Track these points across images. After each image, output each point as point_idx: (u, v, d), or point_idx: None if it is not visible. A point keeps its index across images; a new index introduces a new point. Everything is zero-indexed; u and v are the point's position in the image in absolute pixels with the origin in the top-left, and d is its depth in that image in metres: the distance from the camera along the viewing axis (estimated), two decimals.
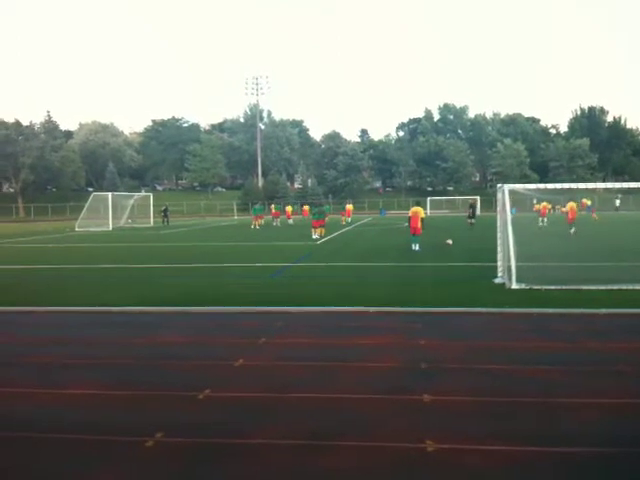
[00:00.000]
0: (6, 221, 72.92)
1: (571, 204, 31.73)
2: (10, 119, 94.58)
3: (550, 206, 44.05)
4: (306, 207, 52.90)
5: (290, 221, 49.59)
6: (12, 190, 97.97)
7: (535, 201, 40.72)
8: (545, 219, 39.01)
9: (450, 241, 24.88)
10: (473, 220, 40.63)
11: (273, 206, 51.91)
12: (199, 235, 37.47)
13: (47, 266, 19.21)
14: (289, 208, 52.17)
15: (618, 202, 70.40)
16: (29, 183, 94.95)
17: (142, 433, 5.01)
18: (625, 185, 16.34)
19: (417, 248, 21.95)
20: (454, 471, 4.27)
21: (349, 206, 55.43)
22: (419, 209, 22.90)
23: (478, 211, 76.14)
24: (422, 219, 22.50)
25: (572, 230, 29.17)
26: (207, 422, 5.31)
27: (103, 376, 6.77)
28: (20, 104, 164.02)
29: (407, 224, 23.64)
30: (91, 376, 6.76)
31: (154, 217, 55.31)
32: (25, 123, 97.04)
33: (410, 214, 22.96)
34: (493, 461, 4.40)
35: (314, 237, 30.41)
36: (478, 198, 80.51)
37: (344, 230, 38.51)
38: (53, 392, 6.23)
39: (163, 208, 54.57)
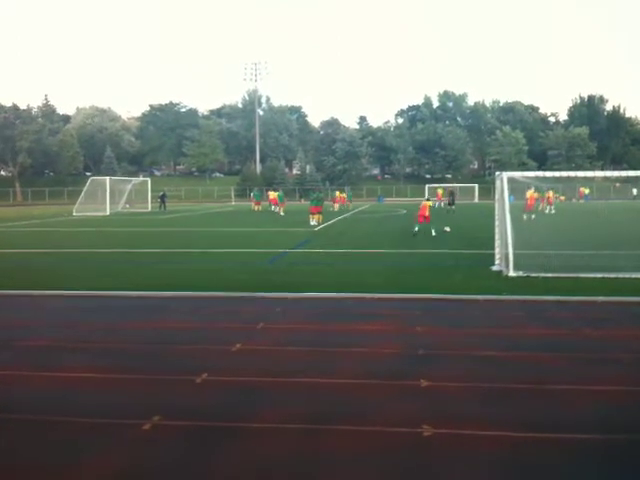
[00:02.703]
0: (3, 205, 72.80)
1: (530, 192, 32.33)
2: (8, 103, 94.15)
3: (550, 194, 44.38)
4: (272, 193, 49.90)
5: (274, 207, 47.46)
6: (9, 174, 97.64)
7: (533, 189, 41.00)
8: (552, 207, 39.68)
9: (448, 228, 24.98)
10: (453, 207, 41.33)
11: (270, 193, 51.38)
12: (197, 220, 37.43)
13: (44, 250, 19.19)
14: (273, 194, 49.62)
15: (635, 191, 70.22)
16: (26, 167, 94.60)
17: (140, 416, 5.02)
18: (624, 173, 16.35)
19: (434, 233, 23.31)
20: (451, 456, 4.29)
21: (342, 194, 55.44)
22: (429, 203, 25.23)
23: (476, 199, 76.66)
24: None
25: (525, 217, 29.73)
26: (204, 406, 5.33)
27: (101, 360, 6.78)
28: (18, 88, 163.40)
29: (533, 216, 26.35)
30: (89, 359, 6.77)
31: (152, 202, 55.24)
32: (23, 107, 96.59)
33: (421, 207, 24.68)
34: (489, 446, 4.43)
35: (312, 223, 30.36)
36: (476, 186, 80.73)
37: (342, 217, 38.48)
38: (50, 375, 6.24)
39: (161, 194, 54.41)
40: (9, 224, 33.86)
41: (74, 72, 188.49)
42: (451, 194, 43.83)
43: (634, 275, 11.97)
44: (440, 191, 62.29)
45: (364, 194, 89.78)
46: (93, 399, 5.54)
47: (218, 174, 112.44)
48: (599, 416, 5.01)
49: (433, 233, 23.39)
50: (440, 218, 33.02)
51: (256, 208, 48.29)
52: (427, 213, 23.76)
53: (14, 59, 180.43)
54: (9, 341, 7.73)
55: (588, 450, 4.40)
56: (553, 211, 38.94)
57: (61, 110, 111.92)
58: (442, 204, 55.92)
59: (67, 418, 5.05)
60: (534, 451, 4.37)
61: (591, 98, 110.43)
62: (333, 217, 34.51)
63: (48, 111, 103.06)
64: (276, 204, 46.93)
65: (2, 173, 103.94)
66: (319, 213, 31.20)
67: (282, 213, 42.28)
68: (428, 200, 26.28)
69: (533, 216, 30.49)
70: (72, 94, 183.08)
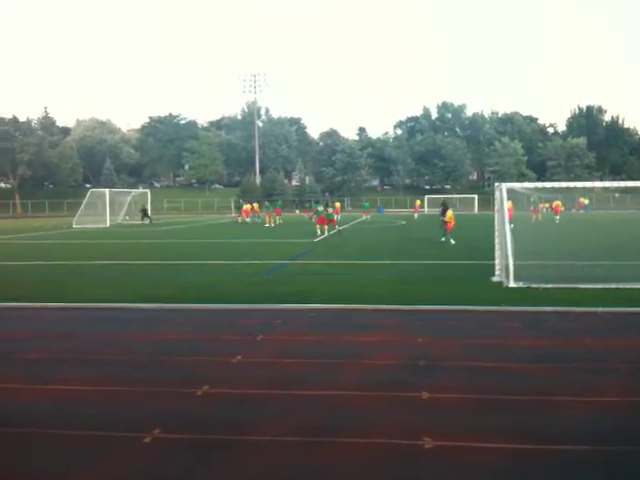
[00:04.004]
0: (3, 217, 72.71)
1: (509, 203, 33.07)
2: (7, 115, 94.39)
3: (548, 205, 45.02)
4: (247, 206, 48.74)
5: (248, 219, 46.87)
6: (9, 186, 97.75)
7: (532, 199, 41.36)
8: (558, 217, 40.33)
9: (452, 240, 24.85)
10: (444, 218, 41.68)
11: (246, 205, 49.29)
12: (196, 232, 37.44)
13: (44, 262, 19.18)
14: (247, 206, 48.73)
15: None
16: (26, 179, 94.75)
17: (140, 429, 5.01)
18: (622, 184, 16.38)
19: (444, 240, 25.39)
20: (452, 468, 4.28)
21: (337, 204, 55.75)
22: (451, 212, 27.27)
23: (476, 210, 76.77)
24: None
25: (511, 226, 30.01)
26: (205, 418, 5.32)
27: (101, 372, 6.77)
28: (17, 100, 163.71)
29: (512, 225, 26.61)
30: (89, 372, 6.76)
31: (151, 214, 55.14)
32: (22, 119, 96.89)
33: (447, 219, 26.61)
34: (490, 458, 4.41)
35: (318, 234, 30.33)
36: (476, 196, 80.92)
37: (341, 228, 38.46)
38: (50, 388, 6.23)
39: (141, 208, 52.38)
40: (9, 236, 33.86)
41: (74, 85, 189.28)
42: (443, 205, 44.20)
43: (634, 286, 11.96)
44: (418, 202, 63.28)
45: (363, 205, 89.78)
46: (93, 411, 5.52)
47: (218, 185, 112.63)
48: (600, 427, 5.00)
49: (444, 239, 25.17)
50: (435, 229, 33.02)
51: (239, 220, 48.30)
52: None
53: (14, 71, 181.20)
54: (9, 353, 7.72)
55: (589, 462, 4.38)
56: (557, 220, 39.40)
57: (61, 122, 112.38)
58: (416, 215, 56.47)
59: (67, 431, 5.03)
60: (535, 463, 4.36)
61: (590, 109, 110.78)
62: (332, 228, 34.45)
63: (48, 123, 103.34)
64: (248, 215, 47.30)
65: (2, 185, 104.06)
66: (324, 224, 31.19)
67: (280, 221, 42.37)
68: (445, 204, 28.46)
69: (512, 225, 30.84)
70: (72, 106, 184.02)
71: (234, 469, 4.33)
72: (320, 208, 33.16)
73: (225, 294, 12.09)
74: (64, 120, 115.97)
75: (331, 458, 4.46)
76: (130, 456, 4.56)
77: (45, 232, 38.35)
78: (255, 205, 49.44)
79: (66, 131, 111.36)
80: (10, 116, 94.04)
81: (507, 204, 32.18)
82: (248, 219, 47.25)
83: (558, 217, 40.53)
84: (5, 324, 9.77)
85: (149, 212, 52.18)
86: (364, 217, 55.77)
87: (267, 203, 48.29)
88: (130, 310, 10.61)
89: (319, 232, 30.76)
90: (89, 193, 50.03)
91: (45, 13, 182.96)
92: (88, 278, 15.25)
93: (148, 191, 59.22)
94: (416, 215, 57.63)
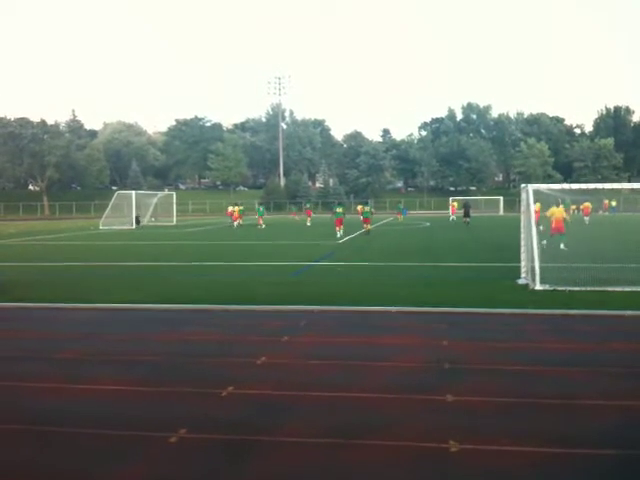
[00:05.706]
0: (31, 219, 73.91)
1: (537, 205, 31.65)
2: (36, 118, 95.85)
3: (575, 207, 44.65)
4: (236, 208, 45.53)
5: (236, 223, 44.29)
6: (37, 188, 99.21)
7: (565, 201, 41.07)
8: (588, 218, 40.10)
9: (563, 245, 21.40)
10: (468, 219, 41.32)
11: (230, 207, 47.26)
12: (221, 234, 37.61)
13: (72, 263, 19.43)
14: (236, 208, 45.71)
15: None
16: (54, 181, 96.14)
17: (166, 429, 5.05)
18: None
19: (563, 247, 20.49)
20: (477, 472, 4.25)
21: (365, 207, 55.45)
22: (558, 209, 21.35)
23: (501, 211, 76.21)
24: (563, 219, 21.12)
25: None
26: (230, 419, 5.35)
27: (127, 372, 6.84)
28: (46, 104, 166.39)
29: (542, 227, 21.94)
30: (115, 372, 6.83)
31: (177, 216, 55.59)
32: (51, 122, 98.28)
33: (549, 214, 21.47)
34: (516, 462, 4.37)
35: (337, 236, 30.58)
36: (501, 198, 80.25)
37: (364, 230, 38.41)
38: (78, 387, 6.30)
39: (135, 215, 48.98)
40: (37, 237, 34.38)
41: (101, 88, 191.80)
42: (465, 206, 43.79)
43: None
44: (455, 204, 61.37)
45: (387, 207, 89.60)
46: (119, 411, 5.58)
47: (242, 187, 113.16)
48: (627, 432, 4.93)
49: (562, 246, 20.47)
50: (464, 231, 32.83)
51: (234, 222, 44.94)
52: (561, 224, 20.79)
53: (42, 75, 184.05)
54: (37, 353, 7.83)
55: (617, 466, 4.33)
56: (587, 222, 39.09)
57: (88, 125, 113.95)
58: (455, 217, 55.61)
59: (93, 430, 5.09)
60: (561, 467, 4.32)
61: (617, 109, 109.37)
62: (355, 230, 34.44)
63: (75, 126, 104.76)
64: (236, 219, 44.45)
65: (30, 187, 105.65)
66: (340, 226, 31.50)
67: (309, 223, 42.98)
68: (557, 205, 22.00)
69: (541, 227, 30.23)
70: (99, 110, 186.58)
71: (259, 470, 4.34)
72: (340, 210, 33.16)
73: (250, 295, 12.14)
74: (91, 123, 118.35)
75: (356, 460, 4.45)
76: (156, 455, 4.60)
77: (72, 233, 38.84)
78: (237, 208, 45.84)
79: (93, 134, 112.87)
80: (38, 119, 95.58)
81: (535, 206, 30.50)
82: (236, 222, 44.34)
83: (587, 218, 40.14)
84: (34, 324, 9.91)
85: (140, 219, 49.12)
86: (400, 218, 54.87)
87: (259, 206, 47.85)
88: (156, 311, 10.70)
89: (338, 234, 30.94)
90: (116, 195, 50.57)
91: (72, 18, 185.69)
92: (115, 279, 15.41)
93: (174, 193, 59.76)
94: (455, 217, 56.29)
